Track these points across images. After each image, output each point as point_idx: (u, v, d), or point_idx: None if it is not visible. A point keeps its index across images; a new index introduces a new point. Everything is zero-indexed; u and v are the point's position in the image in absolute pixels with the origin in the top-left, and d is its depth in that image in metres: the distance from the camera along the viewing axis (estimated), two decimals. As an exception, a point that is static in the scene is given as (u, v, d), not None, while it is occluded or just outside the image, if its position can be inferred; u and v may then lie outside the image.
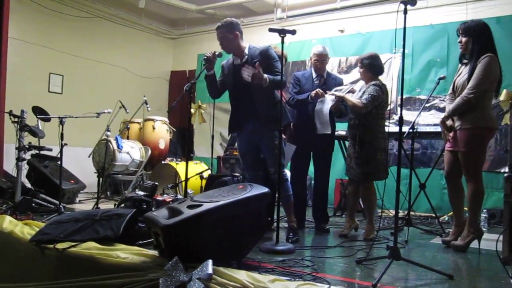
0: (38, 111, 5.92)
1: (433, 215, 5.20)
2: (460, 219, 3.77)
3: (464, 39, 3.68)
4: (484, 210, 5.18)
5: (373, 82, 4.10)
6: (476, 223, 3.65)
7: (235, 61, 3.94)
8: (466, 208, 3.75)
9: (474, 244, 3.66)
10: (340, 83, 4.66)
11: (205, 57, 3.84)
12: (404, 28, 2.98)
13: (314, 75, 4.61)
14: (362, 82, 4.34)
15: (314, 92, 4.31)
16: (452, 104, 3.62)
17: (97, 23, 8.05)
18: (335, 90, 4.38)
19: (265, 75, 3.63)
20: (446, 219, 5.40)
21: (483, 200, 3.70)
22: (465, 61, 3.74)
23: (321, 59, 4.55)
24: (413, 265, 2.91)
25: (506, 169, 4.87)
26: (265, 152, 3.93)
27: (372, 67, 4.14)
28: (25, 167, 5.43)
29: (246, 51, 3.90)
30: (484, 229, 4.94)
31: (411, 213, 4.71)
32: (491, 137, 3.77)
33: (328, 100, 4.25)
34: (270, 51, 3.87)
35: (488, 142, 3.74)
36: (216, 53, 3.85)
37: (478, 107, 3.52)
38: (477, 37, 3.60)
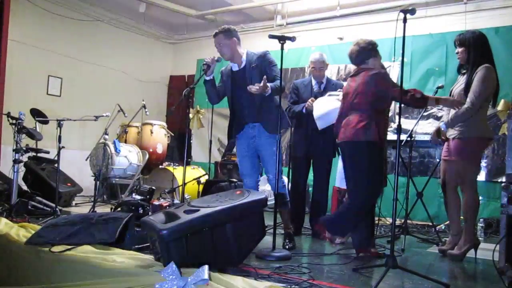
0: (36, 113, 5.92)
1: (430, 223, 5.19)
2: (456, 229, 3.77)
3: (460, 50, 3.71)
4: (481, 220, 5.19)
5: None
6: (472, 232, 3.65)
7: (233, 67, 3.95)
8: (462, 218, 3.75)
9: (471, 254, 3.66)
10: (341, 87, 4.65)
11: (205, 63, 3.85)
12: (404, 37, 2.99)
13: (313, 82, 4.62)
14: None
15: (308, 102, 4.33)
16: (452, 114, 3.62)
17: (97, 27, 8.06)
18: (329, 95, 4.37)
19: (269, 85, 3.64)
20: (443, 227, 5.39)
21: (479, 209, 3.71)
22: (463, 71, 3.75)
23: (318, 66, 4.56)
24: (410, 274, 2.91)
25: (504, 179, 4.87)
26: (263, 157, 3.93)
27: None
28: (22, 169, 5.41)
29: (244, 57, 3.91)
30: (480, 238, 4.95)
31: (408, 221, 4.70)
32: (485, 147, 3.79)
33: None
34: (268, 56, 3.89)
35: (482, 152, 3.76)
36: (216, 59, 3.86)
37: (473, 117, 3.54)
38: (473, 48, 3.62)
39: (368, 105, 3.45)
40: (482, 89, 3.49)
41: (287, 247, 3.76)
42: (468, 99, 3.52)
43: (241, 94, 3.87)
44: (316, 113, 4.28)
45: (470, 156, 3.56)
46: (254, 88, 3.60)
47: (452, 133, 3.65)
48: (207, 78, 3.91)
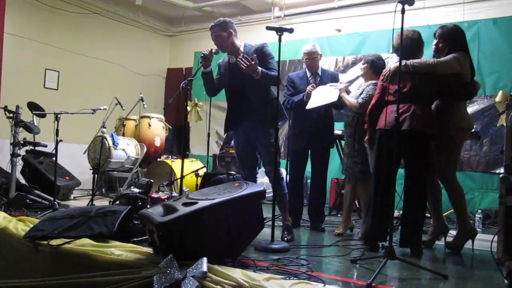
0: (34, 107, 5.89)
1: (428, 214, 5.20)
2: (438, 219, 3.77)
3: (434, 41, 3.71)
4: (479, 211, 5.21)
5: (373, 82, 4.07)
6: (467, 222, 3.64)
7: (231, 59, 3.93)
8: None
9: (468, 244, 3.67)
10: (336, 77, 4.64)
11: (202, 55, 3.83)
12: (402, 28, 2.98)
13: (308, 74, 4.59)
14: (358, 82, 4.33)
15: (309, 87, 4.32)
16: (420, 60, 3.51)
17: (94, 20, 8.02)
18: (330, 86, 4.36)
19: (259, 68, 3.62)
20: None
21: (465, 197, 3.69)
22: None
23: (311, 57, 4.53)
24: (408, 265, 2.92)
25: (502, 170, 4.88)
26: (261, 150, 3.93)
27: (374, 64, 4.11)
28: (19, 163, 5.40)
29: (242, 49, 3.89)
30: (478, 229, 4.96)
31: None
32: (464, 138, 3.76)
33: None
34: (266, 48, 3.87)
35: (462, 142, 3.74)
36: (213, 51, 3.84)
37: (451, 107, 3.53)
38: (443, 40, 3.61)
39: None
40: (453, 58, 3.43)
41: (285, 239, 3.77)
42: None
43: (239, 87, 3.86)
44: (310, 104, 4.26)
45: (449, 146, 3.55)
46: (243, 63, 3.57)
47: None
48: (205, 71, 3.90)
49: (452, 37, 3.60)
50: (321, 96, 4.25)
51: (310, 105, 4.24)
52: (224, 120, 4.09)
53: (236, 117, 3.97)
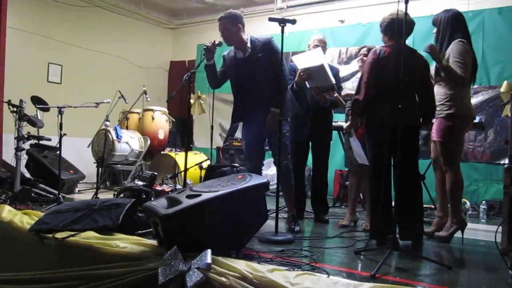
0: (37, 101, 5.91)
1: (432, 206, 5.20)
2: (443, 210, 3.76)
3: (435, 30, 3.69)
4: (484, 202, 5.20)
5: None
6: (459, 213, 3.62)
7: (238, 54, 3.91)
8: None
9: (458, 234, 3.66)
10: (336, 73, 4.62)
11: (205, 47, 3.81)
12: (405, 18, 2.96)
13: None
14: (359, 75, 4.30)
15: (296, 78, 4.28)
16: (451, 67, 3.48)
17: (96, 13, 8.01)
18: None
19: (276, 111, 3.63)
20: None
21: (463, 189, 3.68)
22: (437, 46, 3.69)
23: (321, 44, 4.51)
24: (412, 256, 2.92)
25: (506, 161, 4.86)
26: (272, 142, 3.91)
27: None
28: (24, 157, 5.43)
29: (249, 44, 3.86)
30: (483, 220, 4.97)
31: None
32: (467, 126, 3.72)
33: (354, 136, 3.94)
34: (273, 44, 3.84)
35: (463, 131, 3.71)
36: (216, 43, 3.82)
37: (453, 95, 3.51)
38: (443, 26, 3.59)
39: None
40: (462, 57, 3.42)
41: (296, 229, 3.78)
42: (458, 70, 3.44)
43: (248, 82, 3.84)
44: (355, 153, 4.13)
45: (452, 135, 3.54)
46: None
47: (436, 112, 3.62)
48: (208, 63, 3.88)
49: (453, 24, 3.57)
50: (306, 60, 4.24)
51: (299, 65, 4.23)
52: (232, 110, 4.07)
53: (246, 108, 3.95)
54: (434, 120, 3.66)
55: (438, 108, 3.57)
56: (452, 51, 3.50)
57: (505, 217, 2.91)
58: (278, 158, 3.68)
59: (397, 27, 3.28)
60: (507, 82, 5.42)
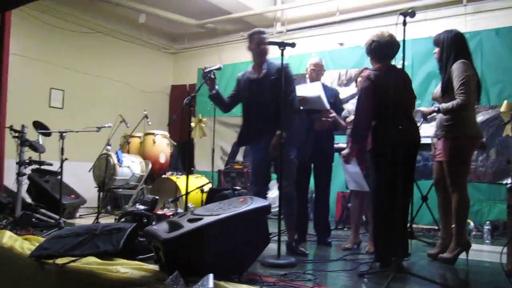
0: (39, 125, 5.93)
1: (436, 227, 5.16)
2: (447, 231, 3.72)
3: (436, 50, 3.71)
4: (487, 222, 5.16)
5: None
6: (463, 234, 3.59)
7: (251, 75, 3.93)
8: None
9: (463, 256, 3.62)
10: (336, 94, 4.67)
11: (205, 72, 3.83)
12: (404, 40, 2.99)
13: None
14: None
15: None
16: (450, 103, 3.50)
17: (97, 38, 8.10)
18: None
19: (281, 134, 3.64)
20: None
21: (469, 210, 3.63)
22: (439, 66, 3.71)
23: (317, 68, 4.56)
24: (416, 278, 2.88)
25: (509, 180, 4.85)
26: (279, 166, 3.83)
27: None
28: (25, 182, 5.42)
29: (264, 66, 3.89)
30: (487, 241, 4.92)
31: (414, 225, 4.68)
32: (474, 147, 3.71)
33: (354, 162, 3.90)
34: (289, 69, 3.86)
35: (471, 151, 3.69)
36: (216, 67, 3.85)
37: (460, 116, 3.51)
38: (446, 47, 3.60)
39: None
40: (466, 78, 3.43)
41: (302, 250, 3.79)
42: (458, 97, 3.44)
43: (258, 104, 3.85)
44: (352, 179, 4.22)
45: (460, 155, 3.52)
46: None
47: (440, 133, 3.63)
48: (211, 94, 3.91)
49: (456, 44, 3.59)
50: (305, 90, 4.30)
51: (362, 187, 4.16)
52: (239, 133, 4.07)
53: (254, 131, 3.91)
54: (437, 140, 3.66)
55: (445, 129, 3.57)
56: (454, 73, 3.49)
57: (509, 237, 2.89)
58: (280, 184, 3.68)
59: (377, 49, 3.41)
60: (507, 102, 5.44)
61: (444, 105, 3.53)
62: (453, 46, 3.59)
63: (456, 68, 3.49)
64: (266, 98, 3.81)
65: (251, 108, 3.95)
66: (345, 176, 4.30)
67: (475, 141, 3.62)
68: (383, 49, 3.44)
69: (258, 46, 3.88)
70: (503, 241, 4.42)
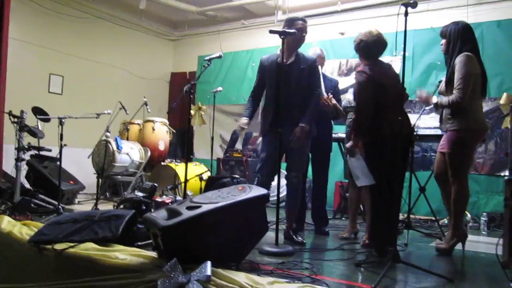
0: (38, 111, 5.92)
1: (433, 218, 5.18)
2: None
3: (443, 41, 3.69)
4: (484, 214, 5.18)
5: None
6: (460, 226, 3.62)
7: (279, 59, 3.81)
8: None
9: (459, 247, 3.65)
10: (335, 84, 4.66)
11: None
12: (405, 31, 2.98)
13: None
14: None
15: (325, 98, 4.32)
16: (446, 98, 3.53)
17: (97, 24, 8.06)
18: None
19: (306, 127, 3.71)
20: (446, 222, 5.38)
21: (467, 202, 3.65)
22: (446, 57, 3.70)
23: (319, 61, 4.53)
24: (413, 268, 2.90)
25: (507, 173, 4.86)
26: (292, 156, 3.85)
27: None
28: (24, 168, 5.42)
29: (294, 54, 3.88)
30: (484, 232, 4.95)
31: (411, 216, 4.70)
32: (478, 139, 3.71)
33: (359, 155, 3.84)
34: (316, 65, 3.95)
35: (475, 144, 3.70)
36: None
37: (466, 109, 3.50)
38: (453, 39, 3.59)
39: None
40: (466, 75, 3.43)
41: (299, 240, 3.79)
42: (457, 90, 3.45)
43: (285, 91, 3.72)
44: (359, 173, 4.19)
45: (462, 148, 3.52)
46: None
47: (446, 126, 3.63)
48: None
49: (463, 36, 3.58)
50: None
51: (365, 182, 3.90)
52: (265, 119, 3.94)
53: (277, 121, 3.70)
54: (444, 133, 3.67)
55: (450, 121, 3.57)
56: (457, 66, 3.48)
57: (506, 229, 2.90)
58: (288, 174, 3.72)
59: (365, 47, 3.52)
60: (507, 94, 5.43)
61: (440, 100, 3.56)
62: (459, 38, 3.57)
63: (459, 62, 3.48)
64: (293, 86, 3.76)
65: (277, 93, 3.73)
66: (352, 171, 4.28)
67: (479, 133, 3.62)
68: (370, 48, 3.54)
69: (303, 34, 3.87)
70: (499, 232, 4.45)
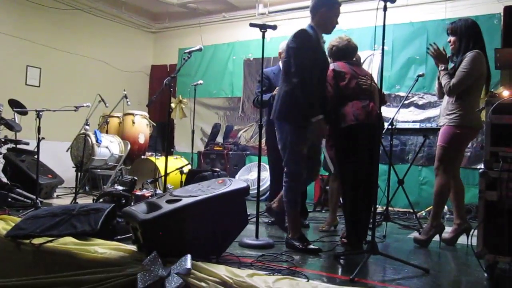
0: (15, 104, 5.82)
1: (411, 210, 5.27)
2: (461, 217, 3.77)
3: (453, 39, 3.71)
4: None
5: None
6: (439, 217, 3.71)
7: (321, 39, 3.73)
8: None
9: (436, 238, 3.72)
10: None
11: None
12: (384, 25, 3.00)
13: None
14: None
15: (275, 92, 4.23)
16: (448, 78, 3.56)
17: (76, 15, 7.93)
18: None
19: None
20: (424, 214, 5.48)
21: (448, 197, 3.72)
22: (455, 59, 3.74)
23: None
24: (390, 260, 2.95)
25: (482, 166, 4.96)
26: (316, 150, 3.62)
27: None
28: (1, 161, 5.34)
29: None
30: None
31: (389, 208, 4.77)
32: (472, 137, 3.81)
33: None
34: None
35: (467, 141, 3.78)
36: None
37: (464, 106, 3.56)
38: (465, 36, 3.62)
39: None
40: (468, 71, 3.48)
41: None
42: (454, 79, 3.51)
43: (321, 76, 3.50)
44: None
45: (454, 143, 3.58)
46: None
47: (444, 120, 3.68)
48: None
49: (473, 34, 3.62)
50: None
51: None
52: (306, 106, 3.29)
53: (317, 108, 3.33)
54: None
55: (448, 117, 3.62)
56: (465, 59, 3.52)
57: (480, 221, 2.96)
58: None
59: (337, 52, 3.81)
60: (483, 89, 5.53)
61: (443, 73, 3.61)
62: (470, 35, 3.61)
63: (470, 57, 3.51)
64: (324, 73, 3.55)
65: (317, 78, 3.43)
66: (328, 161, 4.33)
67: (474, 131, 3.69)
68: (341, 52, 3.79)
69: (337, 17, 3.67)
70: (474, 224, 4.54)
